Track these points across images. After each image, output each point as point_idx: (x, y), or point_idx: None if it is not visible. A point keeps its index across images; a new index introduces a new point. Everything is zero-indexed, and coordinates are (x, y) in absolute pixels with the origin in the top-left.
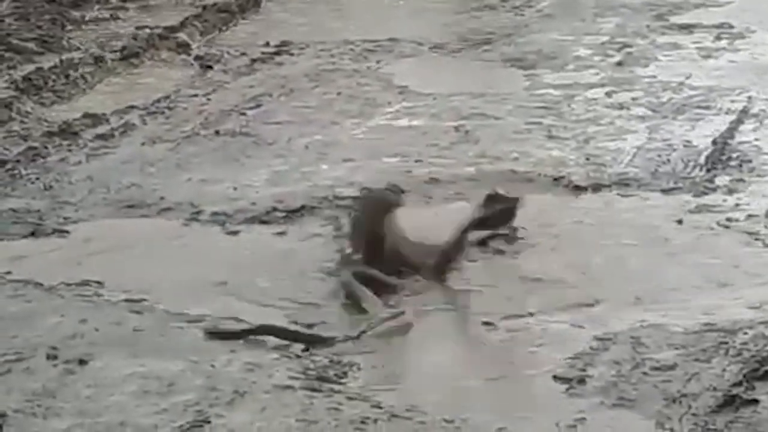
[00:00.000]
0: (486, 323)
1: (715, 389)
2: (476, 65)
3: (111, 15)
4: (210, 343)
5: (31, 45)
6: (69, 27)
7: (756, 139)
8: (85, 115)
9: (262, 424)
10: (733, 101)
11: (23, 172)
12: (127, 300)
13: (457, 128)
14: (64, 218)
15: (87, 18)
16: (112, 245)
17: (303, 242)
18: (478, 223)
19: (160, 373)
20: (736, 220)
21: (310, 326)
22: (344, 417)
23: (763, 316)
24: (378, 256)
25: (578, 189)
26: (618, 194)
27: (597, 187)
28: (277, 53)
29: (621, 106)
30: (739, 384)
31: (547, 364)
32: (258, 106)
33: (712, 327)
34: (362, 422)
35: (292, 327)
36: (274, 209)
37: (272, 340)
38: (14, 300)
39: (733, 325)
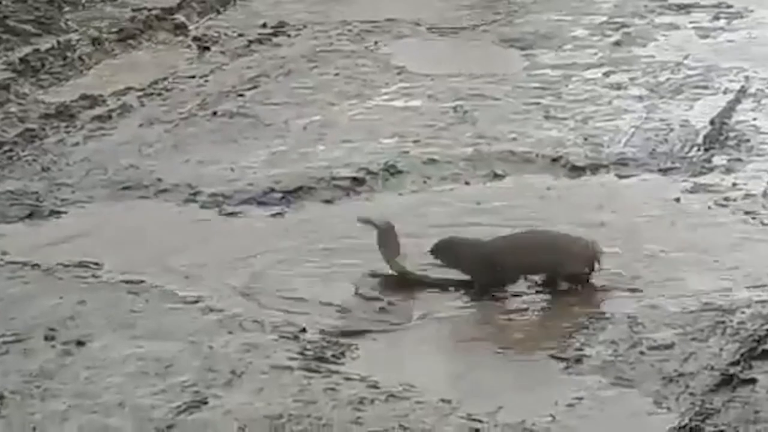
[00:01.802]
0: (483, 303)
1: (712, 368)
2: (474, 46)
3: None
4: (208, 325)
5: (28, 27)
6: (66, 9)
7: (754, 119)
8: (83, 97)
9: (260, 404)
10: (730, 81)
11: (21, 153)
12: (124, 281)
13: (455, 109)
14: (62, 200)
15: (84, 0)
16: (110, 227)
17: (300, 223)
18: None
19: (158, 354)
20: (734, 200)
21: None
22: (342, 397)
23: (761, 295)
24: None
25: (576, 169)
26: (616, 174)
27: (595, 167)
28: (274, 34)
29: (619, 86)
30: (736, 363)
31: (545, 344)
32: (255, 87)
33: (709, 306)
34: (360, 402)
35: None
36: (272, 190)
37: (270, 321)
38: (12, 282)
39: (731, 305)
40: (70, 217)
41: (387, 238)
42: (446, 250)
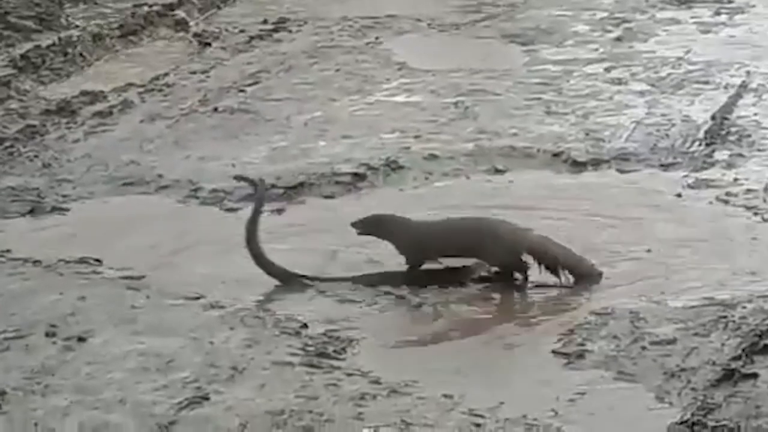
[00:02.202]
0: (484, 299)
1: (714, 363)
2: (475, 41)
3: None
4: (209, 320)
5: (29, 23)
6: (67, 5)
7: (755, 114)
8: (84, 93)
9: (262, 400)
10: (732, 76)
11: (22, 150)
12: (125, 277)
13: (456, 104)
14: (63, 196)
15: None
16: (111, 223)
17: (302, 218)
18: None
19: (159, 350)
20: (735, 195)
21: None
22: (343, 393)
23: (762, 290)
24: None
25: (577, 164)
26: (617, 169)
27: (596, 163)
28: (275, 30)
29: (620, 82)
30: (738, 358)
31: (546, 339)
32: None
33: (711, 301)
34: (361, 398)
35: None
36: (273, 186)
37: (271, 317)
38: (13, 278)
39: (732, 300)
40: (71, 213)
41: (261, 199)
42: (378, 225)
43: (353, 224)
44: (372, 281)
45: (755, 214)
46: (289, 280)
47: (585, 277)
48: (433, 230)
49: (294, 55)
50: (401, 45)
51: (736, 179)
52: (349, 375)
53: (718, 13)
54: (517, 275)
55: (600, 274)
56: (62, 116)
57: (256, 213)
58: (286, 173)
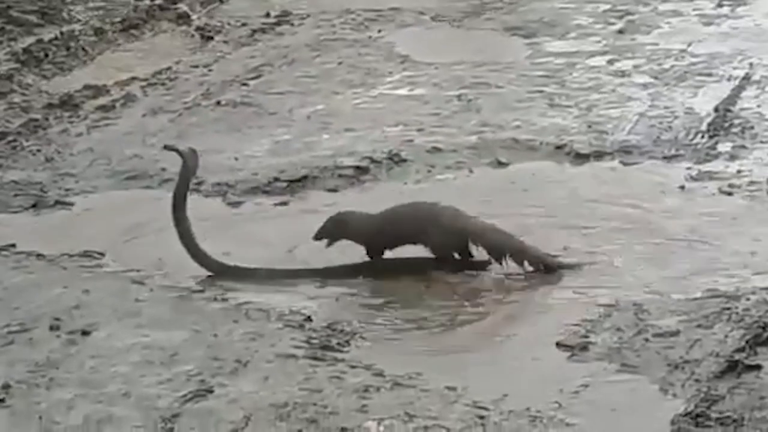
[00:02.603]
0: (486, 290)
1: (717, 355)
2: (478, 34)
3: None
4: (213, 314)
5: (31, 17)
6: None
7: (758, 106)
8: (86, 87)
9: (265, 392)
10: (734, 68)
11: (24, 144)
12: (129, 270)
13: (459, 97)
14: (66, 190)
15: None
16: (114, 216)
17: (304, 212)
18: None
19: (163, 343)
20: (738, 187)
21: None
22: (347, 385)
23: (766, 282)
24: None
25: (580, 156)
26: (620, 161)
27: (599, 155)
28: (277, 23)
29: (623, 74)
30: (741, 350)
31: (550, 331)
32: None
33: (714, 293)
34: (365, 390)
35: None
36: (276, 179)
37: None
38: (17, 272)
39: (736, 292)
40: (75, 207)
41: (187, 171)
42: (335, 227)
43: (314, 237)
44: (314, 274)
45: (759, 205)
46: (211, 267)
47: (536, 264)
48: (385, 220)
49: (297, 49)
50: (404, 38)
51: (739, 171)
52: (353, 367)
53: (720, 5)
54: (476, 265)
55: (556, 265)
56: (65, 110)
57: (183, 187)
58: (289, 166)
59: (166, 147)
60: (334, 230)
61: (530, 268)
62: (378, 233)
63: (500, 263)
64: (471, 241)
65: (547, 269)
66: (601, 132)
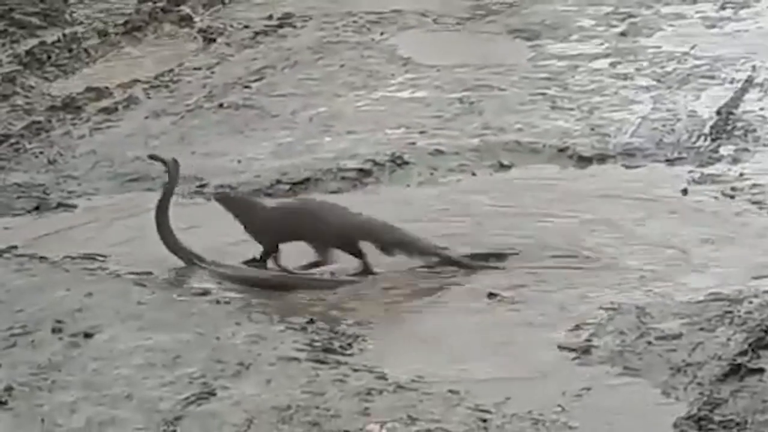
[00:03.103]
0: (491, 294)
1: (720, 358)
2: (480, 37)
3: None
4: (215, 316)
5: (34, 19)
6: (72, 1)
7: (761, 109)
8: (89, 89)
9: (268, 395)
10: (737, 71)
11: (27, 146)
12: (131, 273)
13: (461, 100)
14: (69, 192)
15: None
16: (117, 219)
17: None
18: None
19: (166, 345)
20: (741, 190)
21: None
22: (350, 388)
23: None
24: None
25: (583, 159)
26: (623, 164)
27: (601, 158)
28: (280, 26)
29: (625, 77)
30: (744, 353)
31: (552, 334)
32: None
33: (716, 296)
34: (368, 393)
35: None
36: (279, 182)
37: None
38: (19, 274)
39: (738, 295)
40: (77, 209)
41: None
42: (229, 202)
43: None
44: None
45: (761, 208)
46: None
47: (426, 257)
48: (276, 214)
49: (299, 51)
50: (406, 40)
51: (741, 174)
52: (356, 370)
53: (723, 8)
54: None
55: (449, 258)
56: (67, 112)
57: (167, 194)
58: (291, 169)
59: (150, 157)
60: (227, 203)
61: (422, 262)
62: (271, 227)
63: (391, 256)
64: (359, 238)
65: (444, 263)
66: (604, 135)
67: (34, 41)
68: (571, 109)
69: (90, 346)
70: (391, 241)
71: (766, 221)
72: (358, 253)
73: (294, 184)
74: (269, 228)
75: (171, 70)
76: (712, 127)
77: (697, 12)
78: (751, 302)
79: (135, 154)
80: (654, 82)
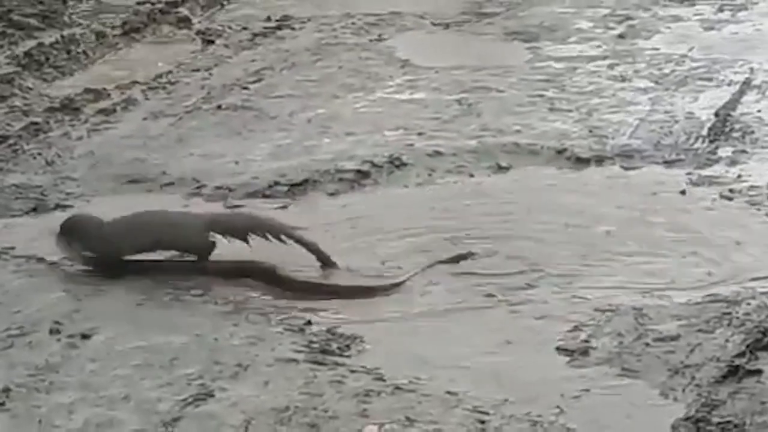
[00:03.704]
0: (488, 295)
1: (718, 360)
2: (478, 38)
3: None
4: (213, 317)
5: (32, 20)
6: (70, 2)
7: (758, 111)
8: (87, 91)
9: (266, 396)
10: (735, 73)
11: (25, 147)
12: (129, 273)
13: (459, 101)
14: (67, 194)
15: None
16: None
17: (304, 216)
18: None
19: (164, 346)
20: (739, 192)
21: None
22: (348, 390)
23: (766, 287)
24: None
25: (581, 161)
26: (621, 166)
27: (600, 159)
28: (278, 27)
29: (623, 79)
30: (742, 355)
31: (550, 336)
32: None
33: (714, 298)
34: (366, 395)
35: None
36: (277, 183)
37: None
38: (17, 275)
39: (736, 296)
40: (75, 210)
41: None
42: (71, 230)
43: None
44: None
45: (759, 210)
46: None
47: (277, 235)
48: (122, 226)
49: (297, 53)
50: (405, 42)
51: (739, 176)
52: (354, 372)
53: (721, 10)
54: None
55: (298, 237)
56: (66, 114)
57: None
58: (289, 170)
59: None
60: (68, 233)
61: (275, 241)
62: (114, 239)
63: (247, 242)
64: (219, 232)
65: (302, 244)
66: (602, 136)
67: (32, 43)
68: (570, 111)
69: (88, 348)
70: (244, 226)
71: (764, 222)
72: (209, 250)
73: (292, 185)
74: (113, 241)
75: (169, 72)
76: (710, 129)
77: (695, 14)
78: (749, 304)
79: (133, 156)
80: (652, 84)
